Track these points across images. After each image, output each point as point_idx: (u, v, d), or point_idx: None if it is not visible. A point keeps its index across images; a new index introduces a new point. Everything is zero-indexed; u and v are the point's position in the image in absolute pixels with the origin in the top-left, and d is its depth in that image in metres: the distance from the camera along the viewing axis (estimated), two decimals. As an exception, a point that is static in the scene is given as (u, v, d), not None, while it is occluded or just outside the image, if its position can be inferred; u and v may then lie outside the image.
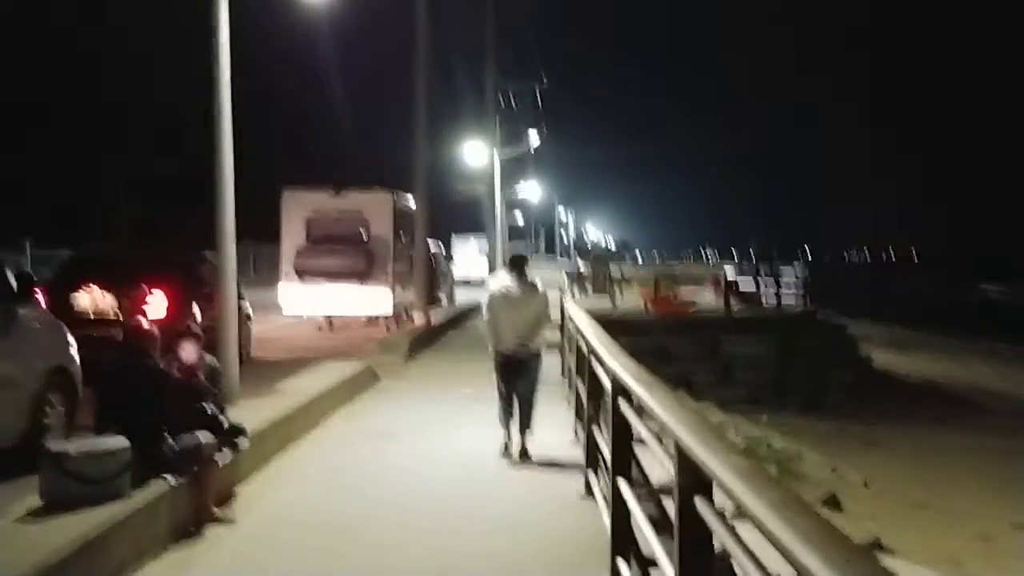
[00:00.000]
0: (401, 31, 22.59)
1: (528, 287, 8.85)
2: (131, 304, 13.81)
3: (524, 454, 8.95)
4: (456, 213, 52.48)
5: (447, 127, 47.05)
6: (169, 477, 6.53)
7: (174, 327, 11.77)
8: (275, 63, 50.41)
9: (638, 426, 4.89)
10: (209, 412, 7.16)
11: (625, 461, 5.24)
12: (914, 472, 18.18)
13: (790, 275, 34.02)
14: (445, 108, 48.25)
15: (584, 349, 7.73)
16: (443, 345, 20.19)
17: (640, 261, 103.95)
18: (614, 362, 5.28)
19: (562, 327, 13.54)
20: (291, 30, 42.74)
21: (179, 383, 7.08)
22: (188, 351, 7.29)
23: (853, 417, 23.40)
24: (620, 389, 5.08)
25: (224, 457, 7.13)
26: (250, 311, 16.99)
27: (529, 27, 53.17)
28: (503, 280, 9.05)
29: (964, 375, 33.91)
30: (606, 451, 5.67)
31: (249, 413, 9.06)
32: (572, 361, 10.29)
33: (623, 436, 5.22)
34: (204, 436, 6.80)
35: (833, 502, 15.23)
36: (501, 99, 45.59)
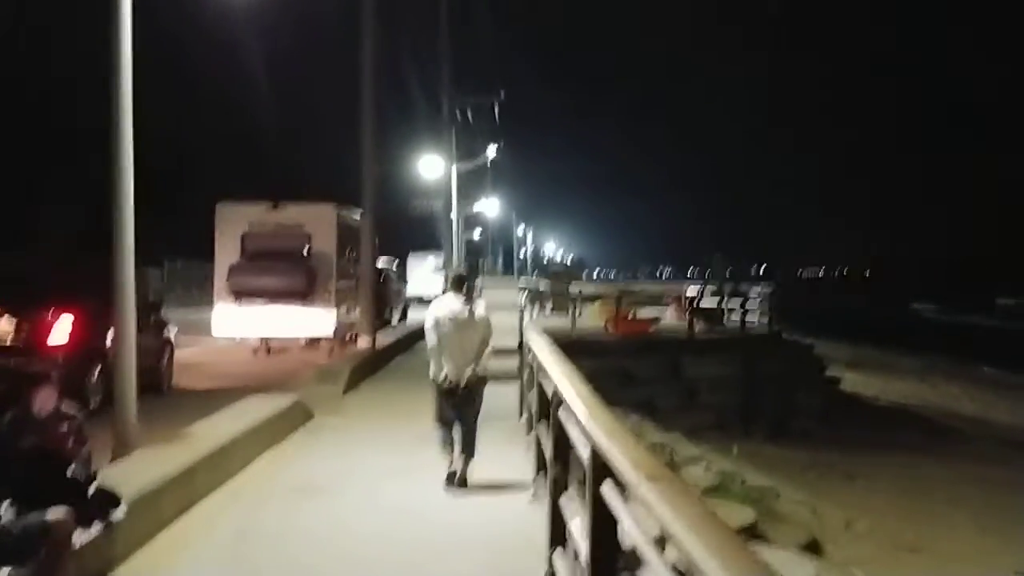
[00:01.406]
0: (352, 42, 21.06)
1: (472, 307, 8.41)
2: (32, 329, 12.15)
3: (463, 483, 8.41)
4: (413, 230, 51.17)
5: (403, 142, 45.79)
6: (4, 570, 4.93)
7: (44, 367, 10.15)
8: (222, 75, 48.75)
9: (628, 523, 3.40)
10: (72, 477, 5.58)
11: (608, 566, 3.76)
12: (899, 508, 16.86)
13: (753, 294, 32.85)
14: (401, 123, 46.96)
15: (548, 392, 6.24)
16: (390, 372, 18.51)
17: (596, 278, 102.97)
18: (598, 429, 3.77)
19: (520, 354, 12.06)
20: (239, 42, 41.24)
21: (27, 444, 5.49)
22: (42, 401, 5.71)
23: (827, 445, 22.11)
24: (605, 469, 3.59)
25: (89, 535, 5.55)
26: (172, 336, 15.39)
27: (486, 40, 52.09)
28: (446, 302, 8.47)
29: (934, 397, 32.93)
30: (581, 544, 4.18)
31: (143, 466, 7.48)
32: (533, 400, 8.80)
33: (606, 533, 3.73)
34: (55, 512, 5.20)
35: (814, 547, 13.87)
36: (458, 113, 44.58)
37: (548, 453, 6.06)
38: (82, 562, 5.47)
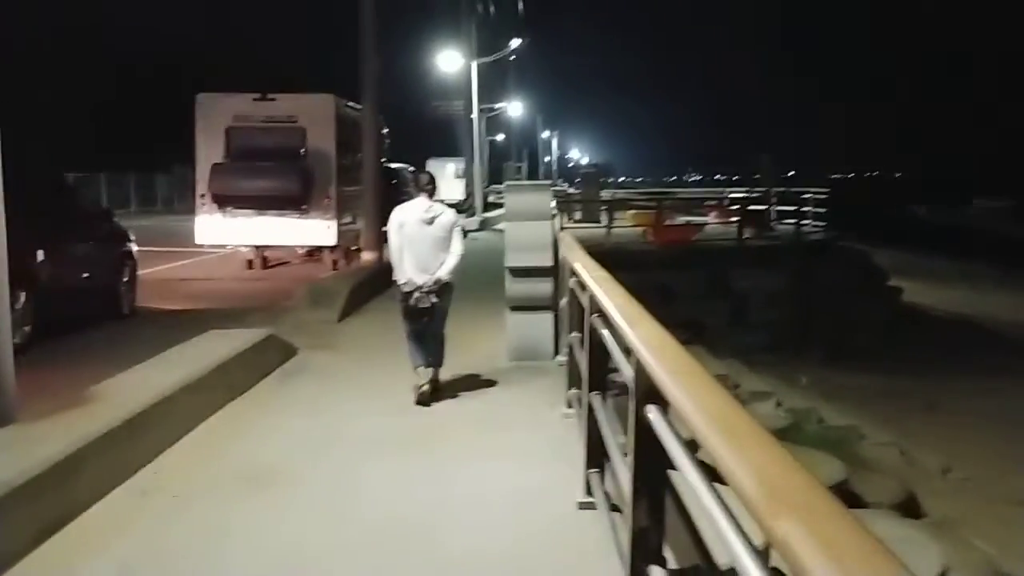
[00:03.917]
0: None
1: (436, 210, 8.10)
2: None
3: (436, 390, 7.99)
4: (434, 135, 48.67)
5: (419, 42, 42.90)
6: None
7: None
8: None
9: None
10: None
11: None
12: (997, 447, 14.34)
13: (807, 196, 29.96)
14: (416, 20, 43.87)
15: (626, 371, 3.59)
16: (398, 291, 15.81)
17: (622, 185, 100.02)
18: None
19: (555, 275, 9.45)
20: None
21: None
22: None
23: (897, 367, 19.51)
24: None
25: None
26: (133, 249, 12.86)
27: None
28: (413, 205, 8.05)
29: (997, 310, 30.00)
30: None
31: (7, 455, 4.89)
32: (577, 347, 6.19)
33: None
34: None
35: (911, 504, 11.32)
36: (479, 6, 41.71)
37: (623, 476, 3.40)
38: None
